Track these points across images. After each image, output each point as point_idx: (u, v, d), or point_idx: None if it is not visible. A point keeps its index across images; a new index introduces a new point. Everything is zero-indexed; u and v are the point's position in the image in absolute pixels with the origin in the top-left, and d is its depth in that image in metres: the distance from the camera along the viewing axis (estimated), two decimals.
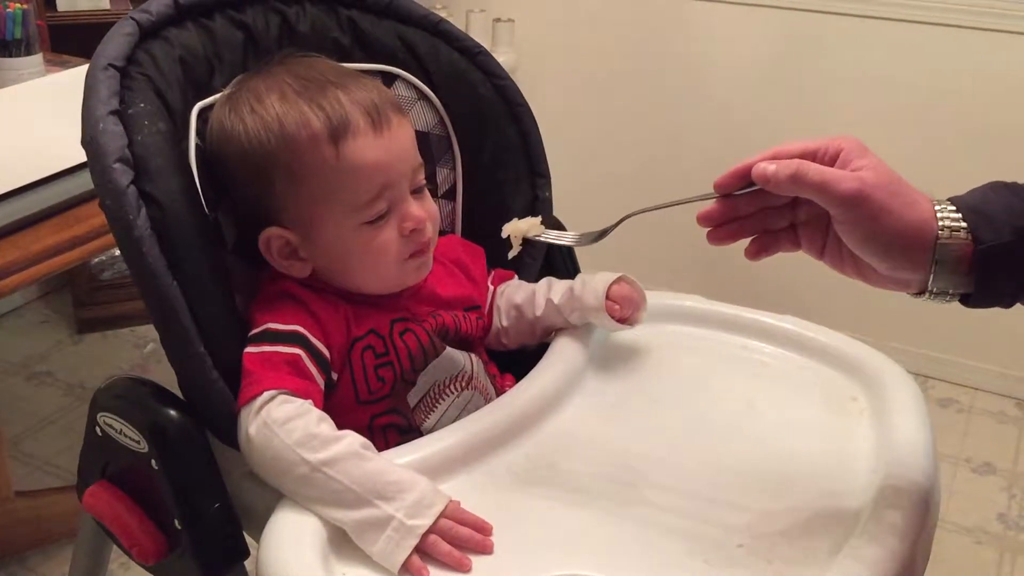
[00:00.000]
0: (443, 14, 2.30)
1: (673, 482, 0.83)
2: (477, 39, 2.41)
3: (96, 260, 2.26)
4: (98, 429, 0.81)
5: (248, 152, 0.84)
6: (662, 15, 2.27)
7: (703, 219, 0.77)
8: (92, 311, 2.33)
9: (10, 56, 1.56)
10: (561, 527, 0.78)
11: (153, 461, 0.78)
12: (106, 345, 2.32)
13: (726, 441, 0.88)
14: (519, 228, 0.90)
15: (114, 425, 0.80)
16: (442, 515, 0.75)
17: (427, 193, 0.90)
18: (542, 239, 0.89)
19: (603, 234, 0.84)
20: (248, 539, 0.82)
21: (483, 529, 0.76)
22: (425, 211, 0.87)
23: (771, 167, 0.72)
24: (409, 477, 0.76)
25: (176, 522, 0.78)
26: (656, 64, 2.29)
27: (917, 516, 0.77)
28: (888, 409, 0.89)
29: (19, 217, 1.24)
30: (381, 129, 0.84)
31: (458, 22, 2.33)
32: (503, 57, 2.32)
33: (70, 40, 1.82)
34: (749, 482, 0.83)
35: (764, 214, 0.76)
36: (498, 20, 2.32)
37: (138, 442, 0.78)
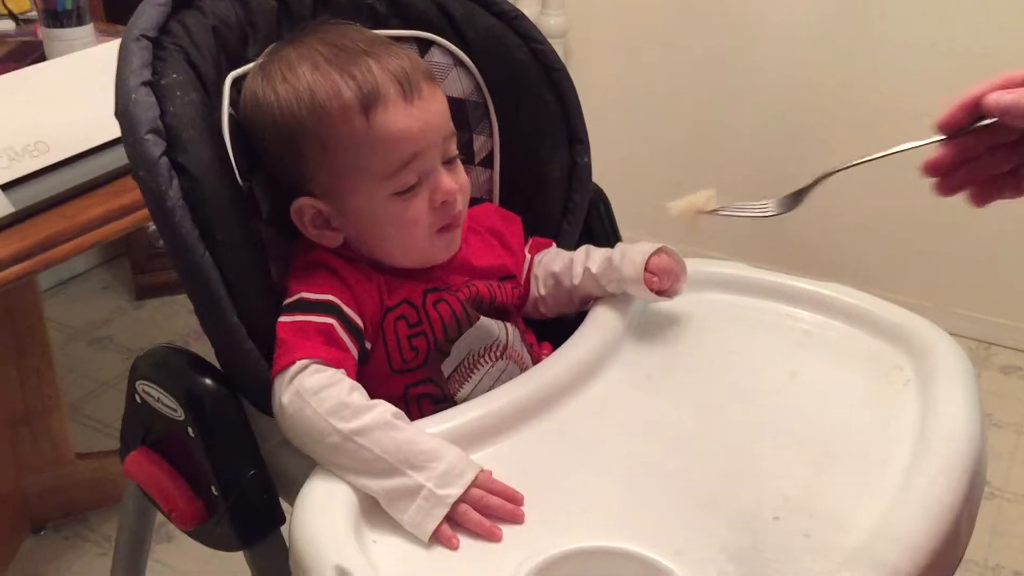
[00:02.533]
0: None
1: (709, 453, 0.82)
2: (528, 1, 2.39)
3: (153, 227, 2.30)
4: (137, 397, 0.83)
5: (279, 122, 0.84)
6: None
7: (931, 168, 0.68)
8: (150, 277, 2.38)
9: (61, 27, 1.57)
10: (594, 497, 0.78)
11: (190, 429, 0.79)
12: (164, 311, 2.36)
13: (765, 411, 0.86)
14: (694, 203, 0.80)
15: (152, 393, 0.81)
16: (473, 484, 0.75)
17: (459, 164, 0.89)
18: (722, 214, 0.77)
19: (797, 199, 0.73)
20: (284, 505, 0.83)
21: (514, 499, 0.76)
22: (457, 183, 0.87)
23: (1008, 95, 0.64)
24: (440, 446, 0.76)
25: (213, 489, 0.79)
26: (708, 27, 2.24)
27: (961, 489, 0.75)
28: (935, 378, 0.87)
29: (68, 187, 1.26)
30: (412, 98, 0.83)
31: None
32: (553, 20, 2.29)
33: (125, 10, 1.84)
34: (788, 453, 0.82)
35: (992, 155, 0.68)
36: None
37: (175, 410, 0.79)
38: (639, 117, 2.38)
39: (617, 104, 2.39)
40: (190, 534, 0.83)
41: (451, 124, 0.88)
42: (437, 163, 0.86)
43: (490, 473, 0.77)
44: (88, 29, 1.61)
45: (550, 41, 2.38)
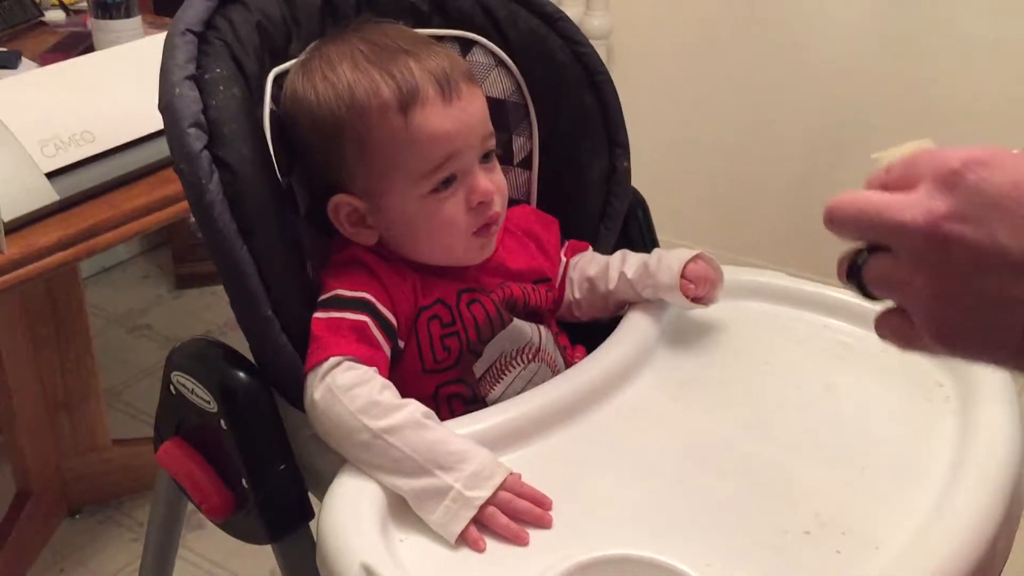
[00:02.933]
0: None
1: (740, 464, 0.81)
2: (572, 2, 2.38)
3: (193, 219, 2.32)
4: (172, 387, 0.84)
5: (319, 119, 0.84)
6: None
7: None
8: (190, 267, 2.40)
9: (110, 18, 1.59)
10: (622, 504, 0.77)
11: (222, 421, 0.80)
12: (203, 301, 2.39)
13: (799, 424, 0.85)
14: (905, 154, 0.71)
15: (187, 384, 0.82)
16: (501, 487, 0.75)
17: (497, 165, 0.89)
18: None
19: None
20: (314, 500, 0.83)
21: (542, 503, 0.75)
22: (494, 184, 0.87)
23: None
24: (469, 448, 0.76)
25: (243, 481, 0.80)
26: (755, 29, 2.22)
27: (998, 511, 0.74)
28: (975, 398, 0.85)
29: (113, 176, 1.28)
30: (451, 99, 0.84)
31: None
32: (598, 21, 2.29)
33: (173, 4, 1.85)
34: (820, 468, 0.81)
35: None
36: None
37: (208, 402, 0.80)
38: (683, 120, 2.37)
39: (661, 107, 2.37)
40: (220, 525, 0.84)
41: (490, 125, 0.88)
42: (474, 164, 0.86)
43: (519, 476, 0.77)
44: (136, 21, 1.63)
45: (593, 43, 2.38)
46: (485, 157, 0.87)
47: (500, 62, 0.99)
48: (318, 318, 0.82)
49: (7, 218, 1.18)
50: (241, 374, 0.80)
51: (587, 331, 0.99)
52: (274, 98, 0.87)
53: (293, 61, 0.88)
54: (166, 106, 0.78)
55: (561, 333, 0.97)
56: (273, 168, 0.83)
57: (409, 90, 0.83)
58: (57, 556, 1.73)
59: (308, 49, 0.89)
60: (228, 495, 0.81)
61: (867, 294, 0.53)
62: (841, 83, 2.15)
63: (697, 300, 0.92)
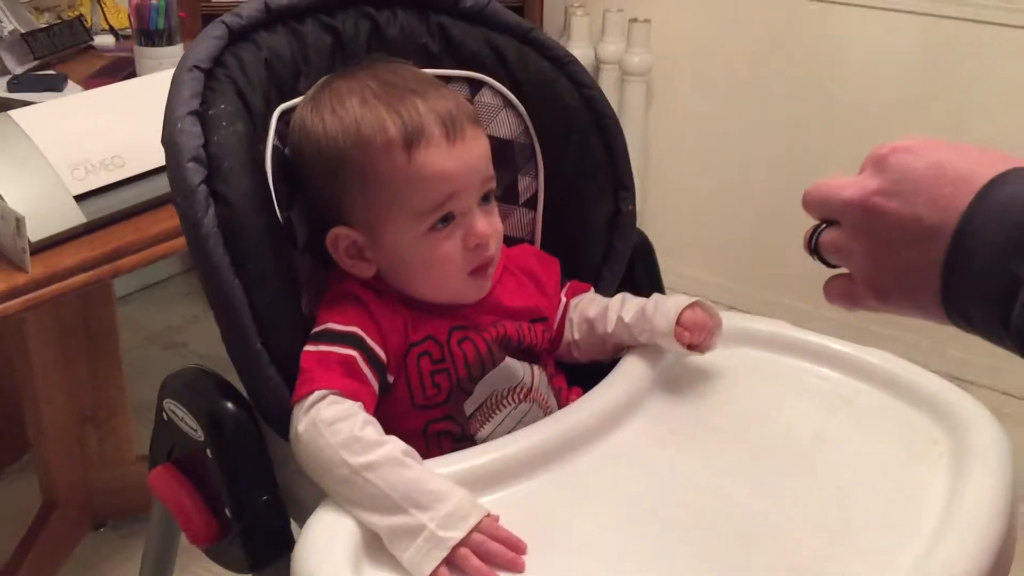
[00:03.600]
0: (580, 13, 2.30)
1: (724, 514, 0.80)
2: (613, 39, 2.40)
3: None
4: (164, 414, 0.85)
5: (324, 151, 0.86)
6: (799, 18, 2.18)
7: None
8: None
9: (153, 45, 1.64)
10: (599, 552, 0.77)
11: (208, 450, 0.81)
12: None
13: (786, 476, 0.84)
14: None
15: (177, 412, 0.83)
16: (476, 529, 0.75)
17: (495, 207, 0.90)
18: None
19: None
20: (297, 531, 0.84)
21: (516, 547, 0.75)
22: (490, 226, 0.88)
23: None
24: (447, 488, 0.76)
25: (227, 511, 0.81)
26: (793, 69, 2.21)
27: None
28: (969, 456, 0.84)
29: (141, 200, 1.31)
30: (455, 140, 0.85)
31: (595, 21, 2.32)
32: (638, 58, 2.30)
33: None
34: (803, 521, 0.80)
35: None
36: (634, 20, 2.29)
37: (196, 431, 0.82)
38: (722, 155, 2.36)
39: (700, 142, 2.37)
40: (205, 552, 0.85)
41: (491, 168, 0.89)
42: (473, 205, 0.87)
43: (497, 518, 0.77)
44: (177, 49, 1.67)
45: (633, 79, 2.39)
46: (484, 199, 0.88)
47: (508, 103, 1.00)
48: (308, 351, 0.83)
49: (34, 239, 1.21)
50: (229, 405, 0.81)
51: (586, 373, 0.99)
52: (278, 134, 0.88)
53: (299, 98, 0.90)
54: (167, 140, 0.81)
55: (558, 374, 0.97)
56: (272, 203, 0.85)
57: (414, 128, 0.84)
58: (81, 568, 1.76)
59: (319, 83, 0.91)
60: (213, 522, 0.83)
61: (824, 261, 0.64)
62: (878, 120, 2.13)
63: (693, 347, 0.92)
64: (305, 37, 0.92)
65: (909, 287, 0.57)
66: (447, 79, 0.98)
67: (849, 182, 0.61)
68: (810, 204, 0.65)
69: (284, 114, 0.89)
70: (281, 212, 0.86)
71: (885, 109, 2.11)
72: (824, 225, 0.64)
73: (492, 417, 0.89)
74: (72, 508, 1.77)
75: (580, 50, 2.32)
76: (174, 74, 0.84)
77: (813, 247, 0.64)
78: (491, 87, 1.00)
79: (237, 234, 0.80)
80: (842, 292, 0.63)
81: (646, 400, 0.91)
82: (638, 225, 2.68)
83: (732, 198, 2.36)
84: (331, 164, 0.86)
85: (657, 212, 2.48)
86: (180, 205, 0.80)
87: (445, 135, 0.85)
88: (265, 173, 0.85)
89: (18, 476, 1.94)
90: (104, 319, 1.73)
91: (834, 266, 0.64)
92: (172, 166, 0.80)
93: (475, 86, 0.99)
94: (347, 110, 0.86)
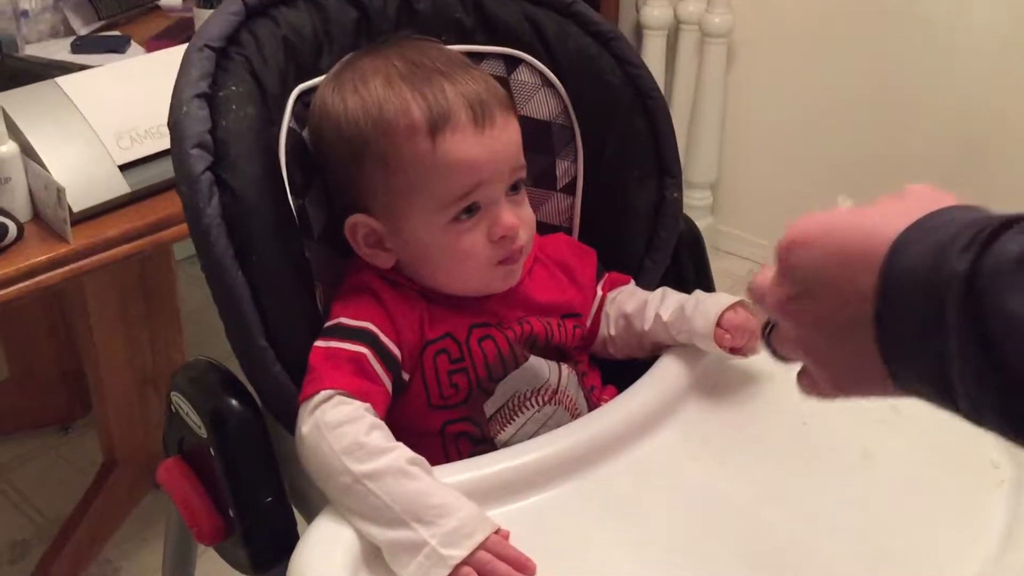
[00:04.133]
0: None
1: (754, 535, 0.75)
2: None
3: None
4: (172, 407, 0.83)
5: (344, 133, 0.82)
6: None
7: None
8: None
9: (210, 7, 1.61)
10: (621, 571, 0.72)
11: (212, 449, 0.78)
12: None
13: (825, 495, 0.78)
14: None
15: (182, 407, 0.81)
16: (481, 547, 0.70)
17: (525, 197, 0.85)
18: None
19: None
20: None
21: (524, 568, 0.71)
22: (519, 217, 0.82)
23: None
24: (452, 502, 0.72)
25: (230, 510, 0.78)
26: (886, 27, 2.06)
27: None
28: None
29: None
30: (483, 126, 0.80)
31: None
32: (719, 18, 2.19)
33: None
34: (840, 547, 0.73)
35: None
36: None
37: (200, 428, 0.79)
38: (806, 122, 2.24)
39: (783, 109, 2.25)
40: (215, 549, 0.83)
41: (521, 157, 0.84)
42: (500, 195, 0.81)
43: (506, 535, 0.72)
44: None
45: (714, 41, 2.28)
46: (513, 188, 0.83)
47: (547, 82, 0.94)
48: (317, 347, 0.79)
49: (77, 209, 1.20)
50: (233, 403, 0.78)
51: (624, 369, 0.93)
52: (296, 115, 0.84)
53: (319, 78, 0.86)
54: (172, 124, 0.77)
55: (592, 371, 0.91)
56: (283, 190, 0.81)
57: (440, 113, 0.79)
58: (140, 525, 1.78)
59: (342, 61, 0.86)
60: (219, 521, 0.80)
61: (777, 355, 0.63)
62: (980, 85, 1.98)
63: (734, 351, 0.85)
64: (328, 11, 0.87)
65: (860, 376, 0.53)
66: (481, 56, 0.92)
67: (768, 287, 0.58)
68: (753, 299, 0.62)
69: (303, 95, 0.85)
70: (295, 199, 0.82)
71: (994, 74, 1.96)
72: (773, 323, 0.61)
73: (514, 420, 0.84)
74: (132, 467, 1.80)
75: (659, 10, 2.22)
76: (184, 53, 0.80)
77: (767, 344, 0.63)
78: (529, 64, 0.93)
79: (242, 224, 0.76)
80: (809, 384, 0.60)
81: (679, 407, 0.85)
82: (713, 197, 2.59)
83: (815, 170, 2.24)
84: (351, 148, 0.82)
85: (733, 182, 2.37)
86: (183, 193, 0.76)
87: (473, 121, 0.79)
88: (278, 159, 0.81)
89: (86, 432, 1.98)
90: (163, 282, 1.73)
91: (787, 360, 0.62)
92: (176, 152, 0.77)
93: (511, 63, 0.93)
94: (370, 91, 0.81)
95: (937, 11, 2.00)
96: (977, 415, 0.47)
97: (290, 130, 0.83)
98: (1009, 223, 0.45)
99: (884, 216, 0.50)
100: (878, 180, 2.14)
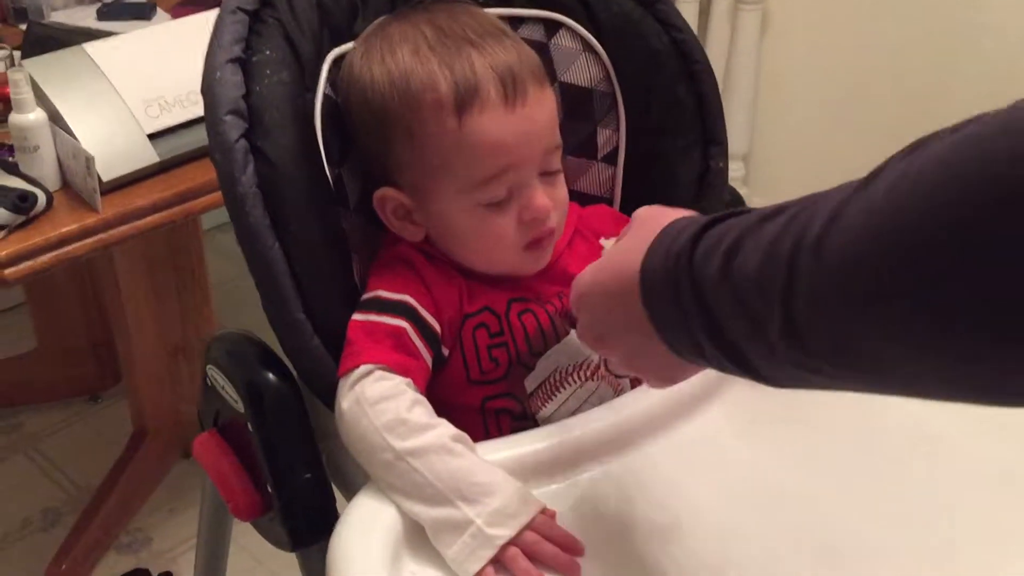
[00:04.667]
0: None
1: (804, 523, 0.72)
2: None
3: None
4: (208, 380, 0.81)
5: (371, 104, 0.79)
6: None
7: None
8: None
9: None
10: (665, 555, 0.70)
11: (249, 423, 0.76)
12: None
13: (882, 485, 0.75)
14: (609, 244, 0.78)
15: (218, 380, 0.79)
16: (528, 527, 0.68)
17: (560, 178, 0.82)
18: None
19: None
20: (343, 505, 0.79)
21: (572, 549, 0.69)
22: (552, 199, 0.79)
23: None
24: (498, 480, 0.70)
25: (268, 486, 0.77)
26: (926, 11, 2.01)
27: None
28: None
29: None
30: (514, 104, 0.76)
31: None
32: None
33: None
34: (897, 537, 0.70)
35: None
36: None
37: (236, 402, 0.77)
38: (839, 93, 2.19)
39: (816, 78, 2.20)
40: (253, 525, 0.82)
41: (557, 136, 0.81)
42: (532, 177, 0.78)
43: (553, 514, 0.70)
44: None
45: (747, 8, 2.22)
46: (547, 174, 0.80)
47: (588, 47, 0.90)
48: (355, 320, 0.77)
49: (106, 178, 1.19)
50: (271, 376, 0.76)
51: None
52: (331, 81, 0.81)
53: (353, 43, 0.83)
54: (205, 90, 0.75)
55: None
56: (319, 158, 0.78)
57: (468, 88, 0.76)
58: (170, 494, 1.79)
59: (372, 25, 0.83)
60: (256, 496, 0.79)
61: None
62: (1022, 47, 1.92)
63: None
64: None
65: (672, 370, 0.65)
66: (520, 20, 0.89)
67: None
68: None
69: (338, 60, 0.82)
70: (331, 169, 0.80)
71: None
72: None
73: (555, 395, 0.82)
74: (162, 437, 1.80)
75: None
76: (217, 16, 0.77)
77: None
78: (569, 28, 0.90)
79: (278, 193, 0.74)
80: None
81: (725, 385, 0.83)
82: (745, 168, 2.53)
83: (851, 142, 2.18)
84: (377, 118, 0.79)
85: (766, 152, 2.32)
86: (217, 161, 0.74)
87: (503, 98, 0.76)
88: (313, 126, 0.78)
89: (115, 401, 1.98)
90: (192, 252, 1.72)
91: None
92: (209, 119, 0.74)
93: (551, 28, 0.90)
94: (397, 60, 0.78)
95: None
96: (719, 365, 0.57)
97: (325, 96, 0.80)
98: (713, 221, 0.57)
99: (628, 253, 0.61)
100: None
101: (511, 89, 0.76)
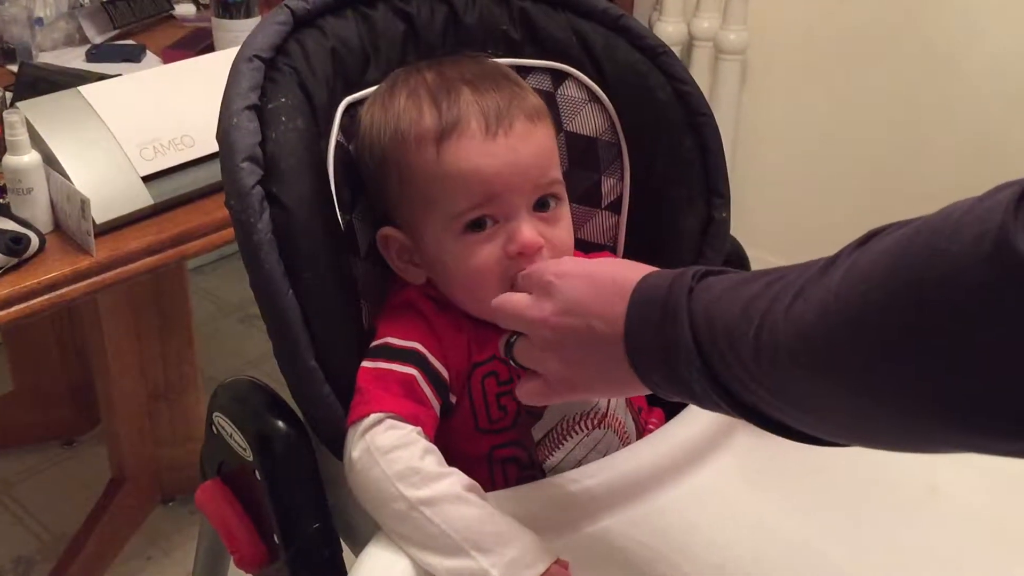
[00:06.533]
0: None
1: (810, 570, 0.72)
2: (708, 14, 2.27)
3: None
4: (214, 427, 0.80)
5: (371, 147, 0.80)
6: None
7: None
8: None
9: (230, 18, 1.59)
10: None
11: (257, 472, 0.76)
12: None
13: (888, 533, 0.75)
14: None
15: (226, 427, 0.78)
16: None
17: (561, 220, 0.81)
18: None
19: None
20: (349, 556, 0.78)
21: None
22: (547, 238, 0.78)
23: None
24: (512, 530, 0.70)
25: (275, 537, 0.76)
26: (905, 50, 2.05)
27: None
28: None
29: (209, 183, 1.26)
30: (495, 134, 0.76)
31: None
32: (734, 35, 2.18)
33: None
34: None
35: None
36: None
37: (245, 449, 0.76)
38: (821, 141, 2.23)
39: (797, 127, 2.24)
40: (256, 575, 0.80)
41: (550, 170, 0.80)
42: (520, 210, 0.78)
43: (566, 565, 0.70)
44: (255, 22, 1.62)
45: (728, 58, 2.26)
46: (541, 205, 0.80)
47: (594, 97, 0.92)
48: (365, 367, 0.77)
49: (100, 220, 1.18)
50: (281, 425, 0.76)
51: None
52: (343, 129, 0.82)
53: (367, 91, 0.83)
54: (222, 137, 0.75)
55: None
56: (332, 205, 0.78)
57: (449, 121, 0.77)
58: (149, 541, 1.75)
59: (388, 77, 0.84)
60: (261, 547, 0.78)
61: (518, 364, 0.73)
62: (998, 107, 1.97)
63: None
64: (375, 23, 0.85)
65: (611, 378, 0.67)
66: (528, 70, 0.90)
67: (529, 304, 0.70)
68: (499, 316, 0.73)
69: (350, 108, 0.83)
70: (343, 215, 0.80)
71: (1013, 98, 1.95)
72: (515, 335, 0.72)
73: (563, 444, 0.82)
74: (141, 482, 1.77)
75: (672, 26, 2.21)
76: (233, 63, 0.78)
77: (508, 354, 0.74)
78: (576, 79, 0.91)
79: (293, 240, 0.74)
80: (537, 391, 0.72)
81: (734, 433, 0.83)
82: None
83: (829, 192, 2.22)
84: (375, 160, 0.80)
85: (746, 200, 2.35)
86: (233, 208, 0.74)
87: (484, 128, 0.76)
88: (326, 173, 0.79)
89: (91, 446, 1.95)
90: (176, 296, 1.70)
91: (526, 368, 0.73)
92: (226, 166, 0.74)
93: (558, 78, 0.91)
94: (394, 103, 0.80)
95: (955, 33, 1.99)
96: (704, 398, 0.61)
97: (338, 144, 0.81)
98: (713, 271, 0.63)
99: (626, 268, 0.67)
100: (894, 199, 2.12)
101: (493, 120, 0.76)
